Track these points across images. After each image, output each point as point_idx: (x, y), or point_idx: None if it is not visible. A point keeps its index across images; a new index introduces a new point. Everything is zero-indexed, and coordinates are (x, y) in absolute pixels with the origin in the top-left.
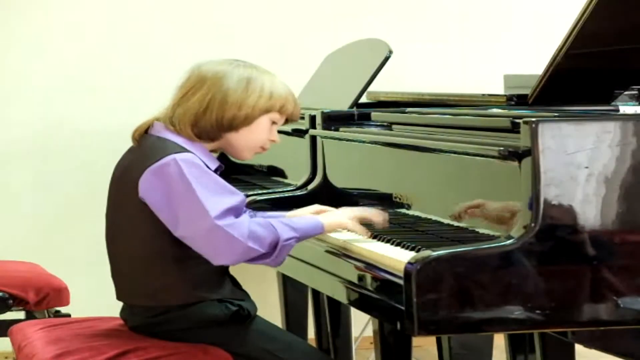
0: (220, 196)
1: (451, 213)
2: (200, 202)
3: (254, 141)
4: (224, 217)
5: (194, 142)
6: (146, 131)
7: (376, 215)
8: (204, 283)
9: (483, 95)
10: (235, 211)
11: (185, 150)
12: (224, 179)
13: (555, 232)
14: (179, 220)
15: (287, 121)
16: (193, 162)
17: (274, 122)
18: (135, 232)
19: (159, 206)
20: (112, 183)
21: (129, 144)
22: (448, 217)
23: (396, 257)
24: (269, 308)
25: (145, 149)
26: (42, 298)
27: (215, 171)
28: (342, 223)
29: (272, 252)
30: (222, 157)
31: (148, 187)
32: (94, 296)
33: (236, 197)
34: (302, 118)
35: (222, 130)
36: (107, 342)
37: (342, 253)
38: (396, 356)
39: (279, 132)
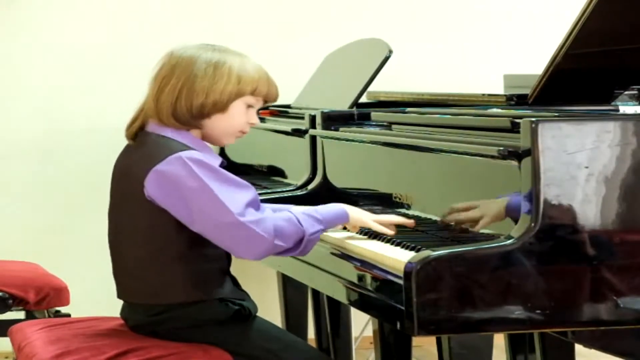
0: (236, 191)
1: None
2: (219, 199)
3: (231, 127)
4: (246, 213)
5: (193, 137)
6: (142, 127)
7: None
8: (205, 282)
9: (483, 95)
10: (253, 204)
11: (188, 148)
12: None
13: (555, 232)
14: (194, 217)
15: (265, 102)
16: (200, 160)
17: (249, 106)
18: (138, 230)
19: (169, 204)
20: (114, 182)
21: None
22: (448, 222)
23: (396, 257)
24: (269, 308)
25: (147, 147)
26: (42, 298)
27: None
28: (365, 221)
29: (297, 246)
30: (222, 155)
31: (156, 186)
32: (94, 296)
33: (250, 189)
34: (302, 118)
35: (195, 118)
36: (107, 341)
37: (342, 253)
38: (396, 356)
39: (279, 132)
